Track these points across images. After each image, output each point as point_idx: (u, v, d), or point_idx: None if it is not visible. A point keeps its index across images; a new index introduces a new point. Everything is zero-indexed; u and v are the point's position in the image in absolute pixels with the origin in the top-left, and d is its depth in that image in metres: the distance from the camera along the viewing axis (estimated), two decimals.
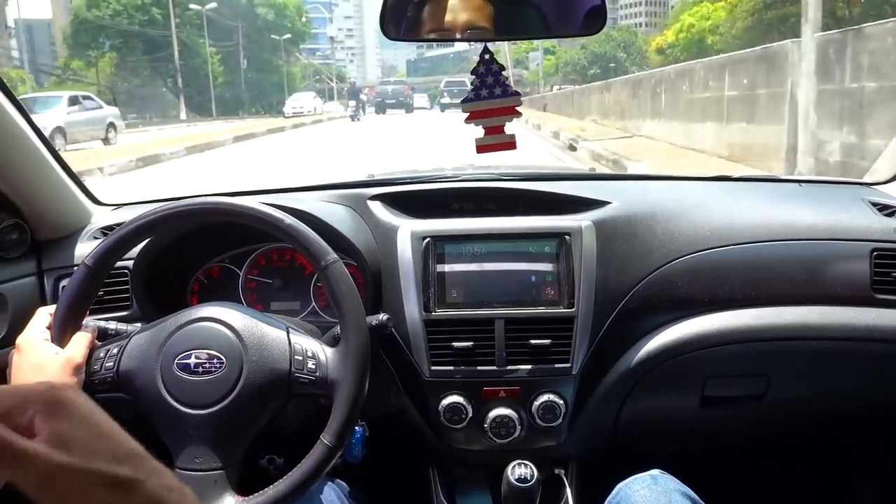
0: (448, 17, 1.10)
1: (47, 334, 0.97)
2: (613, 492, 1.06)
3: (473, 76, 1.14)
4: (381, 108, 30.14)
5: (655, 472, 1.07)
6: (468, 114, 1.14)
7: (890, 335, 1.28)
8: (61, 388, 0.52)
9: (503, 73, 1.13)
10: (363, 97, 25.56)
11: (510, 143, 1.16)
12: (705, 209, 1.41)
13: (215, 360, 0.95)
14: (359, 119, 23.80)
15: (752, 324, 1.28)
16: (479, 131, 1.16)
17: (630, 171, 7.85)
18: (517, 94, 1.13)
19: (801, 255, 1.33)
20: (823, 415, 1.47)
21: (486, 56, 1.12)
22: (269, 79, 56.07)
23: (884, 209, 1.41)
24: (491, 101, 1.14)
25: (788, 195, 1.53)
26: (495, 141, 1.15)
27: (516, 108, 1.15)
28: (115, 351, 0.98)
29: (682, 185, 1.63)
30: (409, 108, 30.26)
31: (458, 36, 1.13)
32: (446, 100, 29.45)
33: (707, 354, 1.29)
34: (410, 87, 34.42)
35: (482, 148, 1.16)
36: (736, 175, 1.66)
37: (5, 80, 1.23)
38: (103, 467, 0.48)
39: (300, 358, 0.97)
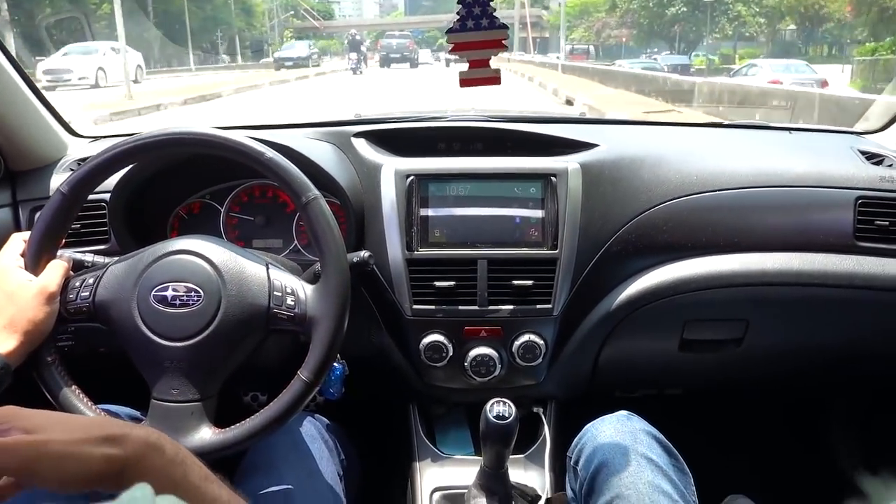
0: None
1: (21, 262, 0.96)
2: (583, 431, 1.07)
3: (460, 5, 1.11)
4: (385, 62, 29.68)
5: (624, 412, 1.08)
6: (453, 45, 1.12)
7: (870, 282, 1.29)
8: (160, 436, 0.65)
9: (490, 3, 1.10)
10: (364, 49, 24.99)
11: (495, 78, 1.12)
12: (693, 155, 1.39)
13: (193, 293, 0.94)
14: (360, 72, 23.30)
15: (733, 269, 1.29)
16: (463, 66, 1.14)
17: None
18: (504, 26, 1.10)
19: (787, 202, 1.33)
20: (800, 365, 1.48)
21: None
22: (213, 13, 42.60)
23: (871, 158, 1.41)
24: (477, 32, 1.11)
25: (778, 142, 1.52)
26: (480, 75, 1.12)
27: (503, 41, 1.11)
28: (90, 281, 0.97)
29: (673, 130, 1.62)
30: (414, 63, 29.84)
31: None
32: (452, 56, 29.35)
33: (687, 299, 1.29)
34: (415, 42, 34.11)
35: (466, 81, 1.13)
36: (726, 122, 1.64)
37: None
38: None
39: (279, 294, 0.96)
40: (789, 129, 1.58)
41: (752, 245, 1.30)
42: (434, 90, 14.57)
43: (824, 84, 15.35)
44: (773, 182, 1.33)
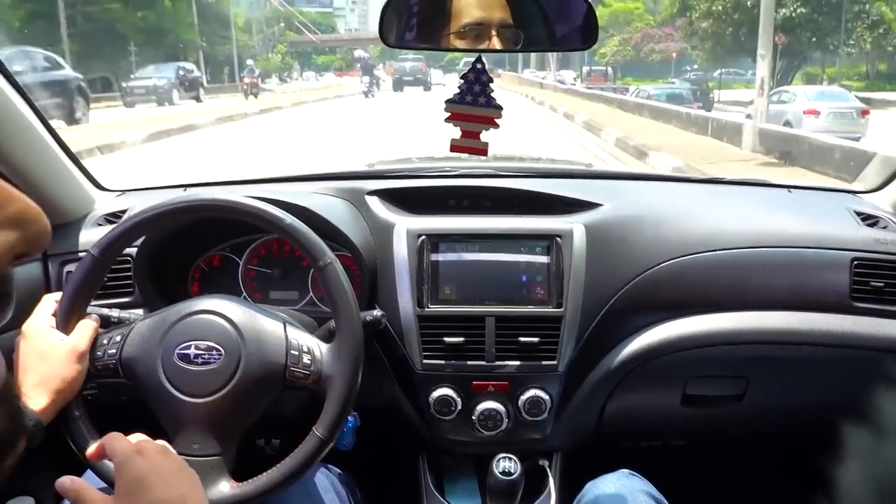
0: (447, 28, 1.12)
1: (53, 321, 1.01)
2: (583, 489, 1.11)
3: (462, 80, 1.17)
4: (398, 86, 29.62)
5: (625, 471, 1.12)
6: (449, 114, 1.17)
7: (865, 342, 1.32)
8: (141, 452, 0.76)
9: (490, 84, 1.15)
10: (377, 73, 25.08)
11: (483, 150, 1.18)
12: (694, 213, 1.44)
13: (214, 352, 0.99)
14: (373, 95, 23.38)
15: (733, 327, 1.33)
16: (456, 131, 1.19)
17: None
18: (499, 107, 1.16)
19: (785, 262, 1.37)
20: (801, 421, 1.51)
21: (479, 66, 1.15)
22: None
23: (867, 219, 1.45)
24: (474, 107, 1.16)
25: (777, 201, 1.57)
26: (469, 145, 1.18)
27: (496, 119, 1.17)
28: (118, 338, 1.02)
29: (674, 187, 1.67)
30: (427, 86, 29.65)
31: (457, 47, 1.15)
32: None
33: (689, 355, 1.33)
34: (427, 65, 34.13)
35: (455, 148, 1.18)
36: (727, 178, 1.69)
37: None
38: None
39: (296, 353, 1.01)
40: (788, 188, 1.63)
41: (752, 304, 1.34)
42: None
43: (864, 113, 14.34)
44: (772, 242, 1.38)
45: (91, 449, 0.91)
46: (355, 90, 26.62)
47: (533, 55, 42.15)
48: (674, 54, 41.53)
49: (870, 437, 1.67)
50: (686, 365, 1.36)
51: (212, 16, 39.57)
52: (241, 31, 46.47)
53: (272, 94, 30.18)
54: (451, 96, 1.15)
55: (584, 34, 1.12)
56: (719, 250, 1.36)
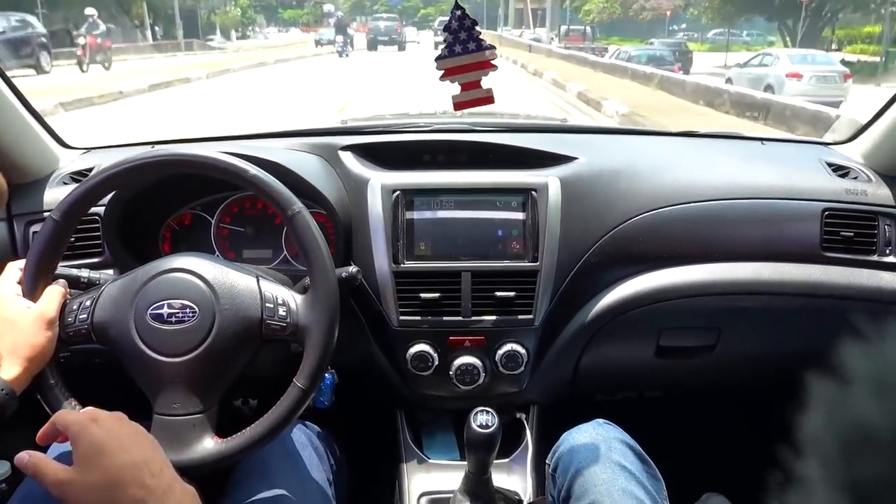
0: None
1: (18, 289, 0.99)
2: (560, 439, 1.13)
3: (446, 33, 1.14)
4: (373, 46, 29.12)
5: (600, 420, 1.14)
6: (442, 71, 1.14)
7: (834, 291, 1.35)
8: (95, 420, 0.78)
9: (476, 27, 1.13)
10: (350, 31, 24.54)
11: (488, 98, 1.16)
12: (668, 167, 1.45)
13: (188, 310, 0.98)
14: (347, 55, 22.95)
15: (706, 278, 1.34)
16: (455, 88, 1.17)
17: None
18: (492, 47, 1.14)
19: (757, 213, 1.38)
20: (771, 370, 1.54)
21: (458, 12, 1.12)
22: None
23: (838, 170, 1.47)
24: (465, 56, 1.14)
25: (750, 154, 1.57)
26: (473, 96, 1.16)
27: (491, 61, 1.15)
28: (87, 303, 1.00)
29: (649, 140, 1.67)
30: (402, 46, 29.21)
31: None
32: (440, 38, 29.13)
33: (662, 307, 1.35)
34: (402, 23, 33.41)
35: (459, 104, 1.16)
36: (701, 132, 1.69)
37: None
38: (98, 479, 0.74)
39: (271, 305, 1.00)
40: (762, 140, 1.64)
41: (724, 255, 1.36)
42: (423, 79, 12.65)
43: (847, 77, 14.01)
44: (745, 194, 1.39)
45: (40, 431, 0.87)
46: (321, 51, 25.49)
47: (511, 13, 41.00)
48: (668, 13, 38.27)
49: (837, 386, 1.71)
50: (659, 317, 1.37)
51: None
52: None
53: (222, 52, 27.88)
54: (439, 52, 1.12)
55: None
56: (692, 202, 1.37)
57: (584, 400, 1.58)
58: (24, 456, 0.79)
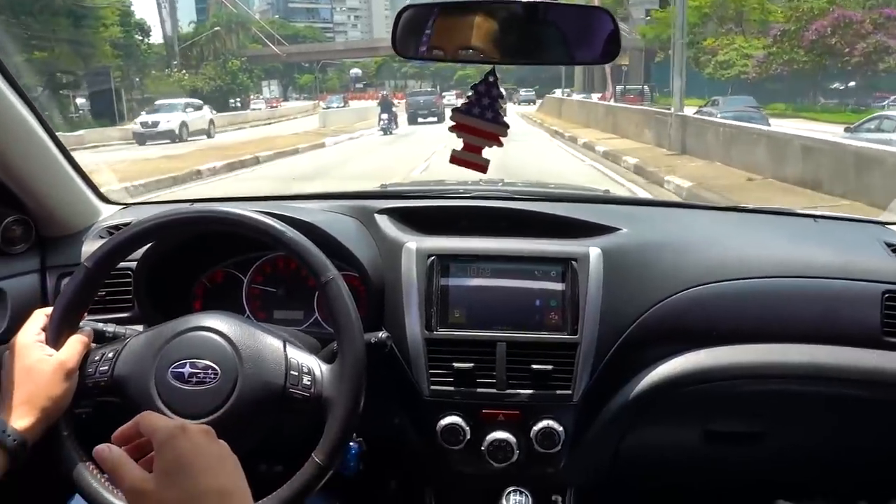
0: (456, 40, 1.10)
1: (42, 336, 0.97)
2: None
3: (472, 91, 1.14)
4: (412, 120, 29.98)
5: None
6: (454, 123, 1.15)
7: None
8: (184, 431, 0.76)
9: (500, 100, 1.13)
10: (395, 110, 25.35)
11: (482, 167, 1.17)
12: (716, 241, 1.39)
13: (210, 371, 0.95)
14: (391, 132, 23.75)
15: (756, 360, 1.27)
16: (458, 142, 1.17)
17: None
18: (506, 125, 1.14)
19: (812, 293, 1.31)
20: (828, 464, 1.44)
21: (491, 79, 1.13)
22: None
23: None
24: (480, 121, 1.14)
25: (803, 231, 1.52)
26: (470, 159, 1.17)
27: (500, 137, 1.15)
28: (110, 355, 0.98)
29: (695, 213, 1.62)
30: (441, 118, 30.22)
31: (471, 58, 1.12)
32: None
33: (710, 389, 1.27)
34: (441, 95, 34.43)
35: (455, 159, 1.16)
36: (750, 207, 1.64)
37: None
38: (178, 498, 0.71)
39: (295, 373, 0.96)
40: (815, 217, 1.57)
41: (776, 336, 1.28)
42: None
43: None
44: (798, 272, 1.32)
45: (119, 430, 0.85)
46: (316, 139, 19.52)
47: (563, 76, 39.70)
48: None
49: None
50: (707, 399, 1.29)
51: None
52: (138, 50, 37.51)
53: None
54: (459, 105, 1.13)
55: (606, 49, 1.09)
56: (742, 279, 1.31)
57: (627, 486, 1.48)
58: (105, 449, 0.78)
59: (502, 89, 1.16)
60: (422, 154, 14.15)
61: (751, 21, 34.63)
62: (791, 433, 1.34)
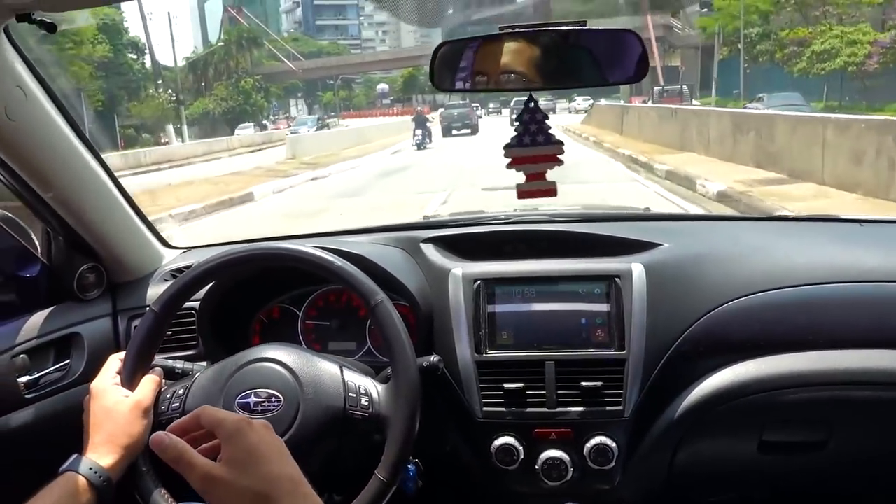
0: (496, 69, 1.14)
1: (118, 379, 1.03)
2: None
3: (517, 122, 1.18)
4: (447, 132, 30.12)
5: None
6: (510, 159, 1.18)
7: None
8: (250, 424, 0.81)
9: (546, 121, 1.16)
10: (429, 125, 25.56)
11: (551, 191, 1.19)
12: (760, 251, 1.39)
13: (274, 399, 1.00)
14: (425, 147, 23.92)
15: (808, 368, 1.26)
16: (521, 177, 1.20)
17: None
18: (560, 142, 1.17)
19: (863, 297, 1.30)
20: (888, 468, 1.40)
21: (532, 104, 1.16)
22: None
23: None
24: (533, 147, 1.17)
25: (849, 236, 1.50)
26: (536, 187, 1.19)
27: (558, 156, 1.17)
28: (180, 391, 1.05)
29: (738, 225, 1.62)
30: (475, 129, 30.20)
31: (508, 86, 1.16)
32: (514, 116, 30.21)
33: (764, 399, 1.26)
34: (474, 107, 34.13)
35: (523, 194, 1.19)
36: (793, 215, 1.63)
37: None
38: (251, 484, 0.75)
39: (353, 395, 1.01)
40: (860, 222, 1.56)
41: (828, 343, 1.27)
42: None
43: None
44: (848, 277, 1.32)
45: (176, 422, 0.89)
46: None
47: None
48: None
49: None
50: (761, 409, 1.29)
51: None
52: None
53: None
54: (508, 141, 1.16)
55: (637, 69, 1.13)
56: (790, 287, 1.30)
57: (684, 500, 1.48)
58: (164, 437, 0.81)
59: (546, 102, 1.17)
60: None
61: (839, 4, 28.13)
62: (850, 441, 1.32)
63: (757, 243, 1.44)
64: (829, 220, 1.61)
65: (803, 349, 1.27)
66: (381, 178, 14.61)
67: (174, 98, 36.99)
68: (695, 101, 29.54)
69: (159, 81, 38.82)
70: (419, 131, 23.51)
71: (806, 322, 1.29)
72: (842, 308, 1.30)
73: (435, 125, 27.42)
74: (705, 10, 38.30)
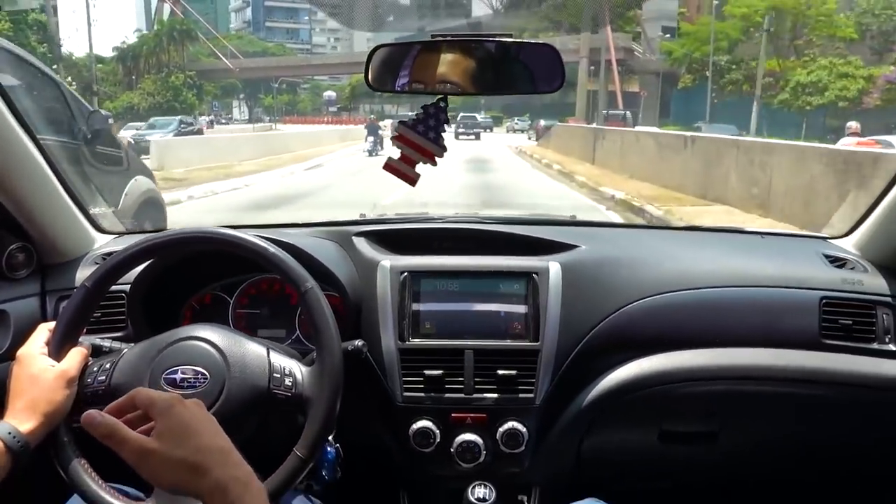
0: (430, 74, 1.21)
1: (46, 349, 1.05)
2: None
3: (422, 110, 1.25)
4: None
5: (591, 500, 1.14)
6: (397, 134, 1.25)
7: (835, 378, 1.37)
8: (181, 401, 0.84)
9: (445, 126, 1.24)
10: (381, 133, 25.49)
11: (413, 179, 1.27)
12: (670, 256, 1.51)
13: (200, 376, 1.03)
14: (377, 154, 23.85)
15: (704, 363, 1.37)
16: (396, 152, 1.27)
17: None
18: (444, 147, 1.26)
19: (756, 301, 1.42)
20: (777, 461, 1.54)
21: (442, 104, 1.24)
22: None
23: (835, 261, 1.52)
24: (420, 137, 1.25)
25: (750, 246, 1.64)
26: (402, 169, 1.26)
27: (435, 157, 1.25)
28: (107, 366, 1.06)
29: (652, 233, 1.74)
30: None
31: (438, 89, 1.22)
32: (461, 129, 30.47)
33: (663, 391, 1.37)
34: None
35: (388, 167, 1.27)
36: (703, 226, 1.76)
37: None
38: (184, 456, 0.78)
39: (278, 375, 1.05)
40: (761, 234, 1.71)
41: (724, 341, 1.39)
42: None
43: None
44: (745, 282, 1.44)
45: (113, 403, 0.91)
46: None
47: (582, 100, 34.17)
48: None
49: (846, 471, 1.67)
50: (660, 401, 1.39)
51: None
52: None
53: None
54: (406, 119, 1.23)
55: (560, 80, 1.22)
56: (693, 289, 1.42)
57: (593, 488, 1.57)
58: (96, 415, 0.82)
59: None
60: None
61: (813, 36, 27.37)
62: (742, 431, 1.44)
63: (668, 250, 1.55)
64: (735, 232, 1.74)
65: (702, 346, 1.39)
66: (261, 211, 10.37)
67: (87, 90, 29.94)
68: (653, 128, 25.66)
69: (55, 67, 32.27)
70: (371, 138, 23.38)
71: (706, 321, 1.41)
72: (739, 310, 1.42)
73: (386, 132, 27.20)
74: (668, 35, 37.26)
